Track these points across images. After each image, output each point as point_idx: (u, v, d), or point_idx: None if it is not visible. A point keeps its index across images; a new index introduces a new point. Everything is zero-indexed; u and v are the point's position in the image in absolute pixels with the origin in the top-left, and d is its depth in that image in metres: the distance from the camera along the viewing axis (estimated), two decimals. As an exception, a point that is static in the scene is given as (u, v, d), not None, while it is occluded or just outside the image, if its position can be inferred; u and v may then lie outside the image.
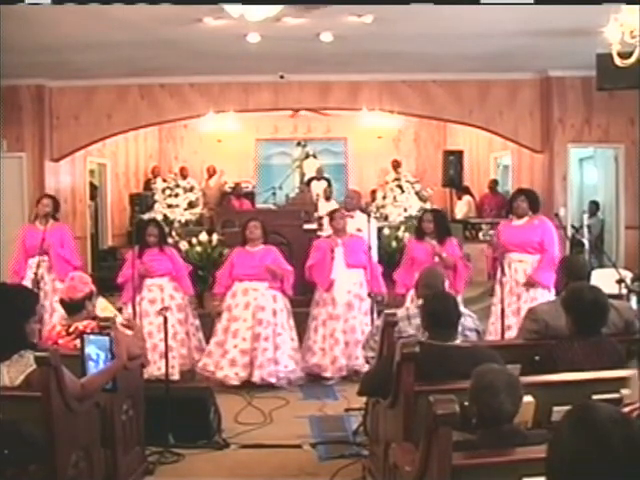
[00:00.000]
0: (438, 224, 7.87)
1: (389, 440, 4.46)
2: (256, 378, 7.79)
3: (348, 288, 8.05)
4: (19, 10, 6.99)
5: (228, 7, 7.09)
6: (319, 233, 9.84)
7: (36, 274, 7.88)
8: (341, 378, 8.01)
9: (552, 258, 7.53)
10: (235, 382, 7.77)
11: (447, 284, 7.46)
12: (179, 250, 9.13)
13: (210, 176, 15.97)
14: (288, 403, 7.40)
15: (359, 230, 8.67)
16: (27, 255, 8.25)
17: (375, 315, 7.24)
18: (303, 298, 8.57)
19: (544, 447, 2.09)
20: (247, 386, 7.78)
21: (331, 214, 8.40)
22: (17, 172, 11.17)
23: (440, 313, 4.45)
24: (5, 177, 10.93)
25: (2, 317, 3.97)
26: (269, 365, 7.82)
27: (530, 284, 7.54)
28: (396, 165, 15.81)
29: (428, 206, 12.61)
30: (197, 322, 8.32)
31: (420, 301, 5.57)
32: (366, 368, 6.27)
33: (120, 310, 8.15)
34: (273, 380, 7.82)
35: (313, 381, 8.14)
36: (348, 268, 8.05)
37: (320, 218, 10.99)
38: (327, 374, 8.03)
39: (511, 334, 7.16)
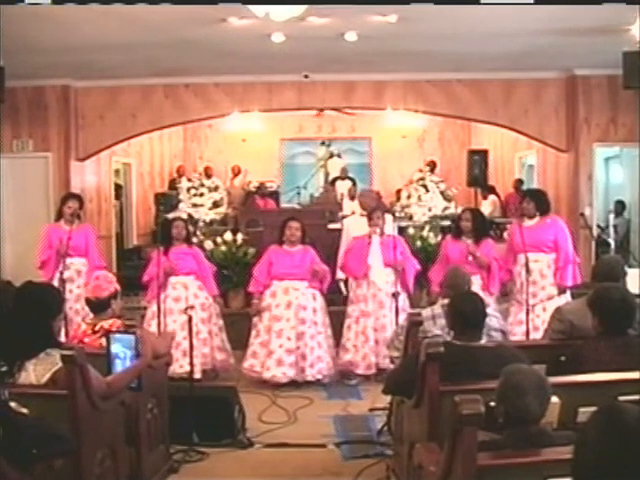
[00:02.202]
0: (476, 223, 7.87)
1: (413, 440, 4.44)
2: (310, 377, 7.90)
3: (382, 286, 8.04)
4: (44, 11, 7.05)
5: (253, 7, 7.09)
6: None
7: (62, 273, 7.87)
8: (370, 376, 8.00)
9: (567, 255, 7.65)
10: (283, 381, 7.83)
11: (480, 284, 7.51)
12: (204, 250, 9.15)
13: (235, 175, 16.01)
14: (312, 402, 7.41)
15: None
16: (52, 255, 8.16)
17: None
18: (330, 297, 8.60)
19: (569, 448, 2.08)
20: (272, 386, 7.81)
21: (369, 214, 8.30)
22: (43, 172, 11.23)
23: (466, 313, 4.43)
24: (31, 177, 11.04)
25: (30, 315, 3.99)
26: (318, 362, 7.94)
27: (562, 291, 7.57)
28: (432, 166, 15.48)
29: (452, 206, 12.56)
30: (221, 322, 8.32)
31: (445, 301, 5.57)
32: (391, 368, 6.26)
33: (145, 309, 8.21)
34: (320, 377, 7.96)
35: (340, 380, 8.17)
36: (385, 267, 8.04)
37: (344, 217, 10.96)
38: (359, 371, 8.05)
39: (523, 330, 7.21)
